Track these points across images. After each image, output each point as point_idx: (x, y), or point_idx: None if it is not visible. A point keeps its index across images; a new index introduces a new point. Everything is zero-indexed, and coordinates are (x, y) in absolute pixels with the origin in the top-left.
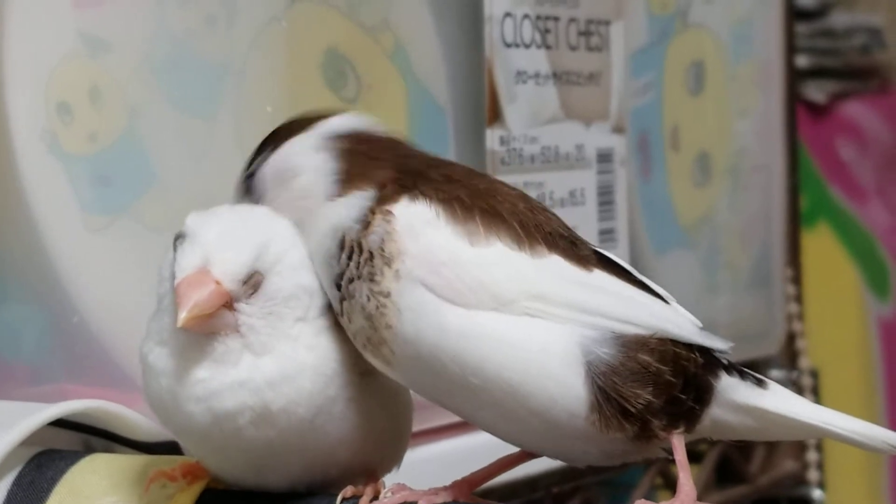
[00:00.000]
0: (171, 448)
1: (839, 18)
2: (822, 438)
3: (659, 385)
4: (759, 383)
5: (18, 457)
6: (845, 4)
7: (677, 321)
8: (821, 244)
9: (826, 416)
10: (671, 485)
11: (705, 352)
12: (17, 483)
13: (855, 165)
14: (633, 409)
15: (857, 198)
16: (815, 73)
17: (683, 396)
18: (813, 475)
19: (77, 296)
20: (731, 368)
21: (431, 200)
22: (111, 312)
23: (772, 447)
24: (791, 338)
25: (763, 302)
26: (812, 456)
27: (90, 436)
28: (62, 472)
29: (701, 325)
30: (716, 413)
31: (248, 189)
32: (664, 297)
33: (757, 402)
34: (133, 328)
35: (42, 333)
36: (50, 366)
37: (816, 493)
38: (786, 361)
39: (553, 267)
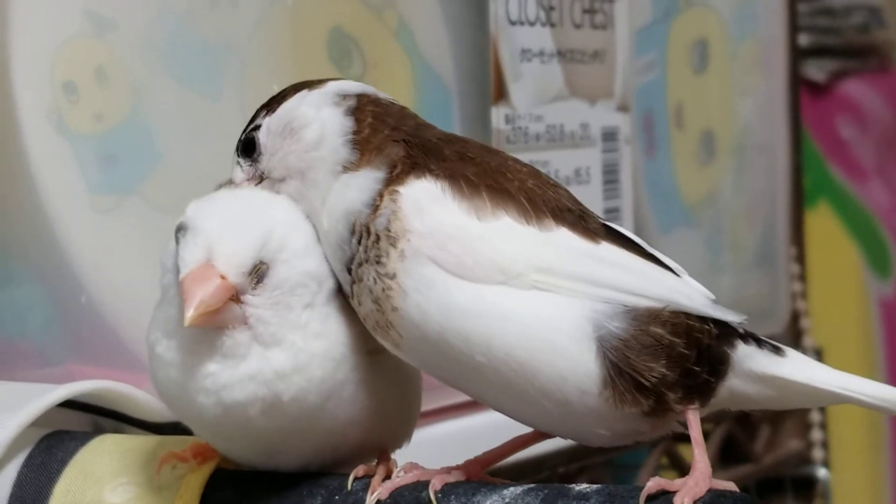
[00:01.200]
0: (180, 428)
1: None
2: (840, 405)
3: (672, 357)
4: (777, 351)
5: (28, 438)
6: None
7: (689, 293)
8: (821, 223)
9: (846, 382)
10: (677, 464)
11: (720, 323)
12: (27, 465)
13: (855, 144)
14: (647, 383)
15: (858, 177)
16: (815, 51)
17: (698, 369)
18: (817, 454)
19: (84, 276)
20: (747, 337)
21: (437, 177)
22: (118, 292)
23: (776, 427)
24: (795, 316)
25: (767, 281)
26: (816, 435)
27: (99, 416)
28: (72, 453)
29: (713, 297)
30: (734, 384)
31: (251, 143)
32: (675, 270)
33: (776, 371)
34: (140, 308)
35: (49, 314)
36: (57, 346)
37: (821, 472)
38: (790, 340)
39: (560, 240)
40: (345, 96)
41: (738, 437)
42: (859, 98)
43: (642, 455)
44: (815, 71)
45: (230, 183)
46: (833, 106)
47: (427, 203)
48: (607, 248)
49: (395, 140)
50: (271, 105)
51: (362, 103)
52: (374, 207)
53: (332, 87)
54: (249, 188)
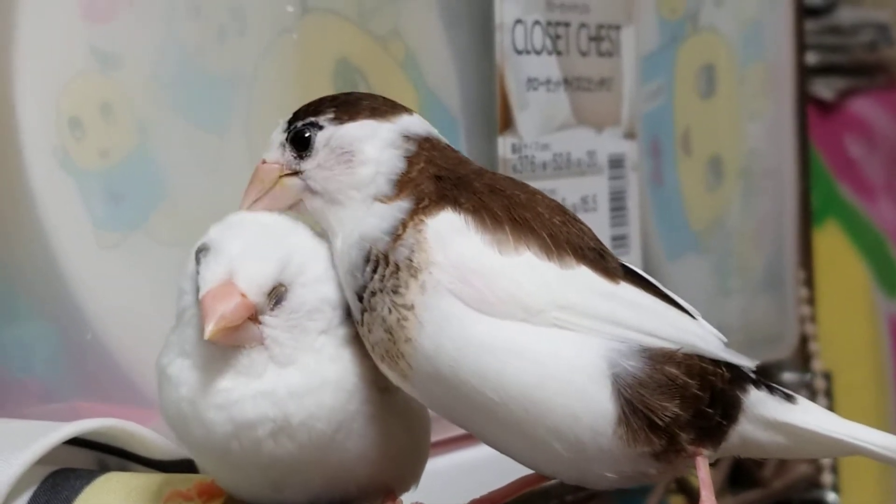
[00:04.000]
0: (186, 466)
1: (846, 14)
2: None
3: (686, 398)
4: (788, 398)
5: (33, 476)
6: (851, 0)
7: (703, 336)
8: (830, 242)
9: (857, 432)
10: (685, 490)
11: (733, 367)
12: (33, 503)
13: (863, 162)
14: (660, 422)
15: (866, 195)
16: (823, 70)
17: (711, 411)
18: (827, 478)
19: (90, 312)
20: (759, 383)
21: (461, 209)
22: (124, 329)
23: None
24: (804, 340)
25: (776, 305)
26: (826, 459)
27: (104, 454)
28: (77, 491)
29: (726, 340)
30: (745, 429)
31: (305, 140)
32: (690, 312)
33: (786, 418)
34: (146, 344)
35: (55, 350)
36: (63, 383)
37: (831, 497)
38: (799, 364)
39: (581, 278)
40: (409, 138)
41: (746, 461)
42: (867, 116)
43: None
44: (823, 89)
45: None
46: (841, 124)
47: (450, 234)
48: (626, 289)
49: (429, 176)
50: (340, 114)
51: (423, 148)
52: (396, 237)
53: (402, 124)
54: (271, 215)
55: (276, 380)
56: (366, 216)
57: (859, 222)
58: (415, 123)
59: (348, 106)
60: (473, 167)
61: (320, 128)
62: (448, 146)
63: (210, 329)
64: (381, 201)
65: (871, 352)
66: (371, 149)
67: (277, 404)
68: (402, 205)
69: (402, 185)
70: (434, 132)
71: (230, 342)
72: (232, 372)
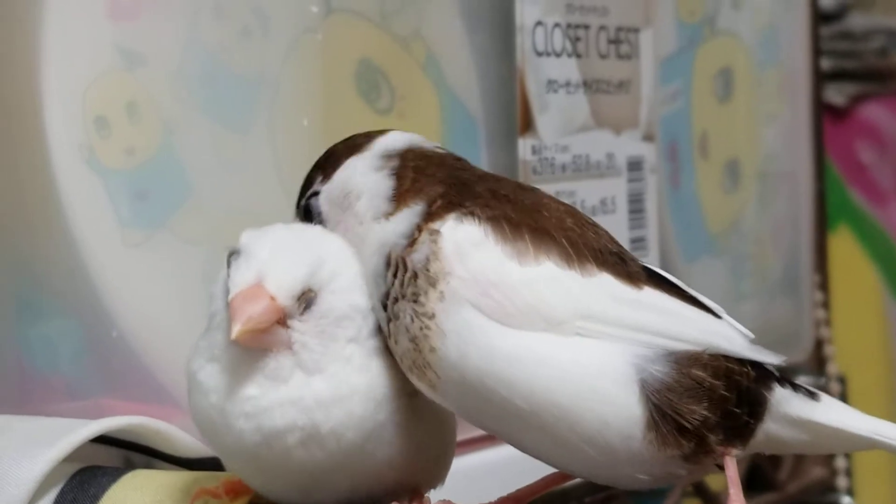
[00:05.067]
0: (212, 464)
1: (857, 20)
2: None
3: (714, 400)
4: (812, 395)
5: (60, 473)
6: (863, 6)
7: (728, 335)
8: (842, 247)
9: (879, 427)
10: (701, 493)
11: (757, 365)
12: (60, 501)
13: (875, 168)
14: (689, 426)
15: (878, 200)
16: (835, 75)
17: (738, 410)
18: (842, 482)
19: (115, 310)
20: (783, 381)
21: (480, 219)
22: (149, 327)
23: (801, 455)
24: (819, 344)
25: (791, 308)
26: (841, 463)
27: (131, 452)
28: (104, 488)
29: (753, 336)
30: (770, 427)
31: (308, 211)
32: (715, 311)
33: (810, 415)
34: (171, 342)
35: (80, 348)
36: (88, 380)
37: (846, 500)
38: (814, 368)
39: (603, 285)
40: (389, 157)
41: (762, 465)
42: (879, 122)
43: None
44: (835, 95)
45: None
46: (853, 129)
47: (469, 248)
48: (650, 294)
49: (431, 181)
50: (326, 170)
51: (406, 160)
52: (412, 241)
53: (378, 147)
54: (305, 224)
55: (302, 387)
56: (383, 225)
57: (871, 228)
58: (393, 139)
59: (330, 159)
60: (474, 171)
61: (317, 194)
62: (436, 149)
63: (237, 329)
64: (388, 216)
65: (882, 356)
66: (359, 180)
67: (306, 412)
68: (415, 209)
69: (400, 197)
70: (416, 141)
71: (258, 345)
72: (259, 377)
